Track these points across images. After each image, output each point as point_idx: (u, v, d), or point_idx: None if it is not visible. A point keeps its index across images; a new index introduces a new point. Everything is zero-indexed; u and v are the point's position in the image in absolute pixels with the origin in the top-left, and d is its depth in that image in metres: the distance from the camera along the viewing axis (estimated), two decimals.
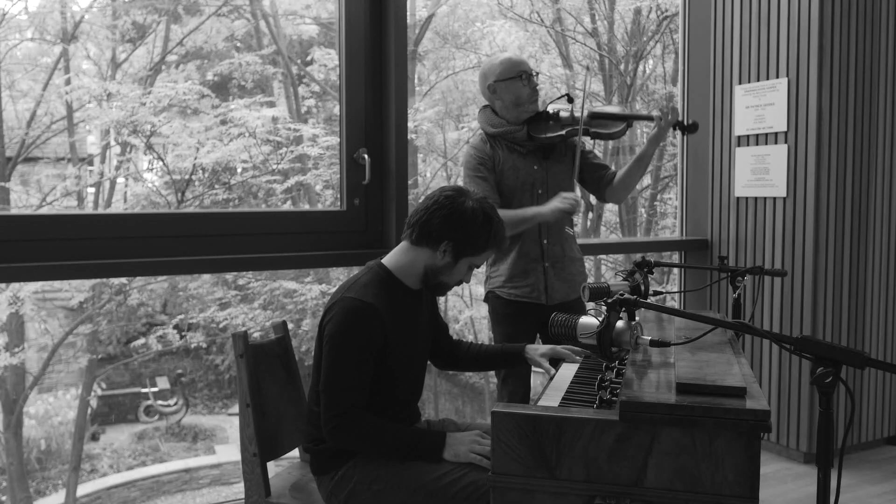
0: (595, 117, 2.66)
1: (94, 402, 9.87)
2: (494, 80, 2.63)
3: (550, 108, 2.69)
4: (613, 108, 2.70)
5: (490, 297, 2.75)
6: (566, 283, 2.68)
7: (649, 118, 2.62)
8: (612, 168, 2.78)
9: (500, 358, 2.20)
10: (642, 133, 9.95)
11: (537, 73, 2.69)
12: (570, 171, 2.68)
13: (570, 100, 2.70)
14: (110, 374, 10.35)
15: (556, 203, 2.50)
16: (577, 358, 2.10)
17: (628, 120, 2.65)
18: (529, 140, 2.63)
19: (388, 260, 1.97)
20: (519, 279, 2.65)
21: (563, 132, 2.62)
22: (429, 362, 2.18)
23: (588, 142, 2.81)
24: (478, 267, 1.99)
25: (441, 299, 10.94)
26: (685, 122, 2.60)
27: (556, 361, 2.14)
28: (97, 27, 8.41)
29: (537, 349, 2.13)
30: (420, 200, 1.98)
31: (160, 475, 9.55)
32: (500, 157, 2.65)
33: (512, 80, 2.60)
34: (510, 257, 2.66)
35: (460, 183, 2.70)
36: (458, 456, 1.79)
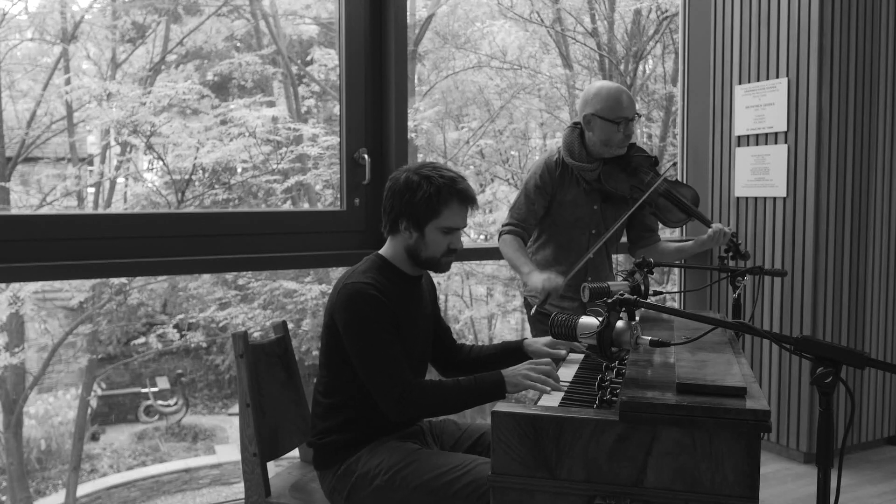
0: (666, 196, 2.68)
1: (94, 402, 9.87)
2: (592, 112, 2.60)
3: (633, 161, 2.68)
4: (687, 195, 2.73)
5: (532, 313, 2.77)
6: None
7: (707, 223, 2.71)
8: (658, 235, 2.86)
9: (501, 356, 2.18)
10: (643, 134, 9.95)
11: (640, 117, 2.68)
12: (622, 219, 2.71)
13: (655, 163, 2.70)
14: (110, 374, 10.35)
15: (539, 283, 2.50)
16: (562, 352, 2.10)
17: (691, 215, 2.71)
18: (598, 181, 2.65)
19: (383, 251, 2.02)
20: (555, 300, 2.68)
21: (628, 196, 2.64)
22: (433, 367, 2.19)
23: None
24: (457, 228, 1.94)
25: (441, 298, 10.92)
26: (739, 247, 2.68)
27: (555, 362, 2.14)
28: (97, 27, 8.41)
29: (537, 341, 2.13)
30: None
31: (160, 475, 9.55)
32: (563, 187, 2.68)
33: (609, 123, 2.57)
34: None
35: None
36: (518, 385, 1.82)
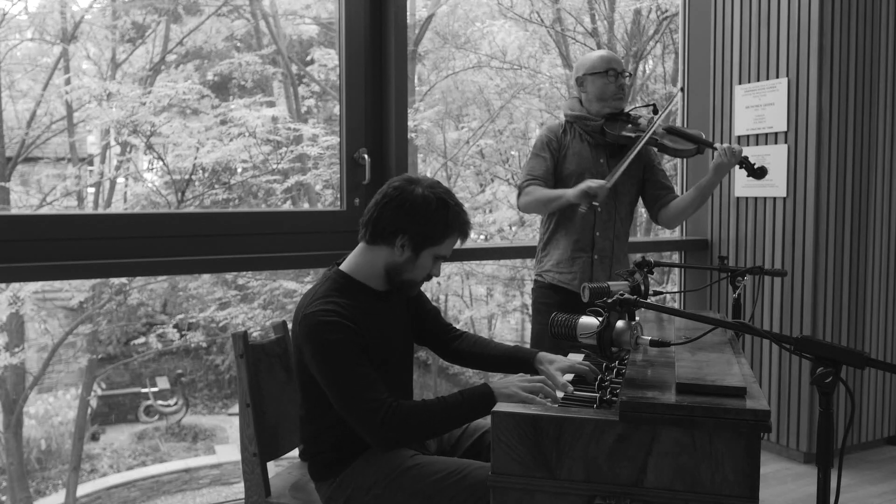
0: (670, 132, 2.75)
1: (94, 402, 9.87)
2: (584, 72, 2.75)
3: (632, 112, 2.78)
4: (691, 130, 2.80)
5: (535, 289, 2.85)
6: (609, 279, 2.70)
7: (713, 147, 2.68)
8: (675, 192, 2.86)
9: (507, 361, 2.04)
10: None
11: (629, 74, 2.79)
12: (628, 170, 2.66)
13: (655, 110, 2.77)
14: (110, 374, 10.35)
15: (582, 185, 2.56)
16: (594, 377, 1.90)
17: (700, 145, 2.72)
18: (601, 134, 2.73)
19: (345, 265, 1.88)
20: (565, 265, 2.75)
21: (633, 135, 2.69)
22: (433, 353, 2.11)
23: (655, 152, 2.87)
24: (445, 259, 1.87)
25: (441, 298, 10.91)
26: (753, 165, 2.65)
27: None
28: (97, 27, 8.41)
29: (553, 361, 1.95)
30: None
31: (160, 475, 9.55)
32: (567, 142, 2.77)
33: (599, 75, 2.71)
34: (562, 243, 2.76)
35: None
36: (511, 397, 1.69)
